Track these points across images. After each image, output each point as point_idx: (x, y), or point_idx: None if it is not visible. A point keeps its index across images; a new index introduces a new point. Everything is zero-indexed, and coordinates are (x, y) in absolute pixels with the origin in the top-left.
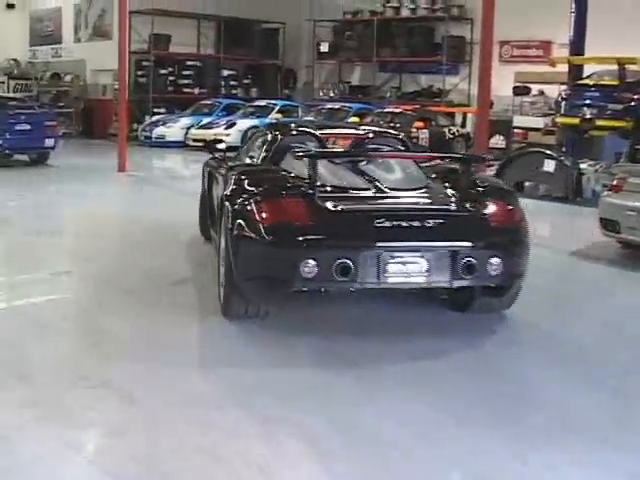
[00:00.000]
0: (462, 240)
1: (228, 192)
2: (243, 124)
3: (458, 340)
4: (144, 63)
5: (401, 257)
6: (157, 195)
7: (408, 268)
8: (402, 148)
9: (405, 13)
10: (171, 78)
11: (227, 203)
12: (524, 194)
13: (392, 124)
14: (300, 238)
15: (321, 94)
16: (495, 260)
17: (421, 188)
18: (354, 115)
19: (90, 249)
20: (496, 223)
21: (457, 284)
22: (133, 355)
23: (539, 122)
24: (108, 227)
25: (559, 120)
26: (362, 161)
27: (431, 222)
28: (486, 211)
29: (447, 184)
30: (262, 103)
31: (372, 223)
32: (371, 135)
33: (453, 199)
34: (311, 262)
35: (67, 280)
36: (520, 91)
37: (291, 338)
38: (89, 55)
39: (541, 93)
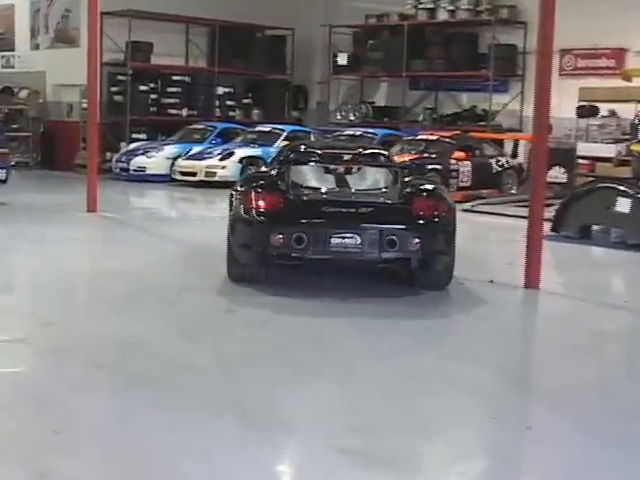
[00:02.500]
0: (386, 224)
1: (235, 187)
2: (242, 154)
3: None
4: (120, 77)
5: (341, 233)
6: (136, 243)
7: (346, 242)
8: (385, 163)
9: (442, 16)
10: (153, 96)
11: (232, 194)
12: (591, 240)
13: (426, 154)
14: (272, 218)
15: (338, 117)
16: (414, 239)
17: (380, 189)
18: (379, 143)
19: (51, 311)
20: (417, 213)
21: (384, 255)
22: (102, 445)
23: (610, 150)
24: (74, 283)
25: (635, 148)
26: (333, 167)
27: (365, 210)
28: (410, 204)
29: (392, 188)
30: (266, 128)
31: (321, 209)
32: (364, 153)
33: (394, 196)
34: (279, 235)
35: (23, 350)
36: (586, 112)
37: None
38: (50, 66)
39: (612, 114)
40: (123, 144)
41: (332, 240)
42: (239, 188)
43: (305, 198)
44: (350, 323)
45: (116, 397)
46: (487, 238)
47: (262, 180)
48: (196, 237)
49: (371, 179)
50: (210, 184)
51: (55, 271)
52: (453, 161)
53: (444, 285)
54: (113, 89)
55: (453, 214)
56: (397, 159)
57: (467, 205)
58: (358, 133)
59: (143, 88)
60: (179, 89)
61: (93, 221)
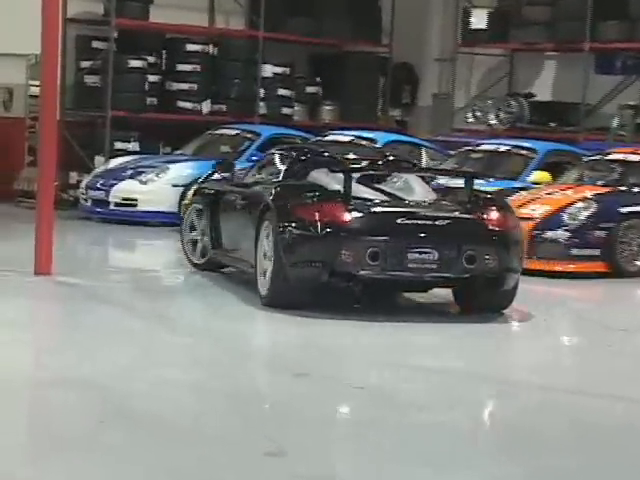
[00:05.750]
0: (465, 238)
1: (274, 201)
2: None
3: None
4: (96, 44)
5: (418, 248)
6: (114, 330)
7: (423, 257)
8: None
9: None
10: (152, 78)
11: (273, 210)
12: None
13: (623, 187)
14: (342, 232)
15: (470, 120)
16: (491, 255)
17: (431, 199)
18: (540, 167)
19: None
20: (492, 226)
21: (462, 273)
22: None
23: None
24: (7, 399)
25: None
26: (384, 176)
27: (441, 223)
28: (485, 217)
29: (449, 198)
30: (344, 137)
31: (395, 221)
32: (390, 159)
33: (459, 208)
34: (350, 250)
35: None
36: None
37: None
38: None
39: None
40: (99, 159)
41: (409, 255)
42: (289, 202)
43: (374, 210)
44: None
45: None
46: None
47: (315, 191)
48: (212, 320)
49: (416, 188)
50: None
51: None
52: None
53: (507, 306)
54: (84, 64)
55: (518, 225)
56: (568, 195)
57: None
58: (504, 148)
59: (135, 64)
60: (197, 67)
61: (44, 291)
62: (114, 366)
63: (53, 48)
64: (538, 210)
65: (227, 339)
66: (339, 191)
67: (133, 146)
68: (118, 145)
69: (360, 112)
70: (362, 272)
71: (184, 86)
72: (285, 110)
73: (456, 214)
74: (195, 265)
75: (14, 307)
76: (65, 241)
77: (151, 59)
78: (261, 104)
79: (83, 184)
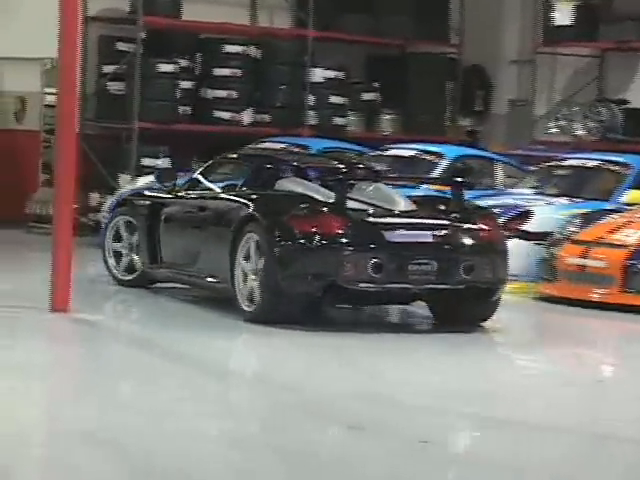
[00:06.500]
0: (463, 248)
1: (259, 212)
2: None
3: None
4: (121, 46)
5: (417, 259)
6: (136, 375)
7: (423, 268)
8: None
9: None
10: (186, 84)
11: (261, 222)
12: None
13: None
14: (343, 245)
15: (552, 130)
16: (487, 265)
17: (412, 209)
18: (635, 186)
19: None
20: (486, 237)
21: (460, 283)
22: None
23: None
24: (17, 454)
25: None
26: (352, 185)
27: (439, 233)
28: (477, 227)
29: (430, 207)
30: (407, 151)
31: (396, 232)
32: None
33: (449, 217)
34: (352, 262)
35: None
36: None
37: None
38: None
39: None
40: (124, 177)
41: (409, 267)
42: (277, 212)
43: (371, 220)
44: None
45: None
46: None
47: (303, 202)
48: (239, 357)
49: (394, 198)
50: None
51: None
52: None
53: (489, 318)
54: (108, 69)
55: (503, 235)
56: None
57: None
58: (592, 163)
59: (166, 68)
60: (237, 72)
61: (61, 331)
62: (139, 416)
63: (72, 51)
64: (633, 236)
65: (259, 379)
66: (330, 201)
67: (163, 162)
68: (146, 161)
69: (425, 122)
70: (363, 285)
71: (222, 93)
72: (338, 120)
73: (451, 224)
74: (121, 282)
75: (28, 349)
76: (85, 272)
77: (184, 62)
78: (310, 113)
79: (106, 207)
